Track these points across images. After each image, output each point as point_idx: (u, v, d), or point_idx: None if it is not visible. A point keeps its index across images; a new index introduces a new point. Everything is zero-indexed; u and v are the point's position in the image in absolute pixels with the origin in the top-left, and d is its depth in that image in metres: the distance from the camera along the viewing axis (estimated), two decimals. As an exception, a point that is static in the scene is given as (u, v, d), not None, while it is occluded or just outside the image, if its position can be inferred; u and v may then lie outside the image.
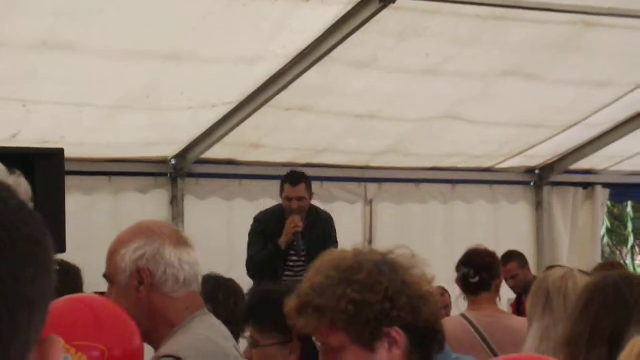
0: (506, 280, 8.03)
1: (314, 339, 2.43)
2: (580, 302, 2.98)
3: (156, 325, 2.76)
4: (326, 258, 2.44)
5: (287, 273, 7.52)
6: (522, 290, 8.22)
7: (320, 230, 7.65)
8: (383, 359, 2.37)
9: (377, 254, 2.46)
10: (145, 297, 2.76)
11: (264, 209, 7.85)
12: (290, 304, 2.42)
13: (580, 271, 3.80)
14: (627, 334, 2.80)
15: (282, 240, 7.46)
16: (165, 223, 3.11)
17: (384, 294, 2.34)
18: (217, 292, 4.27)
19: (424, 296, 2.39)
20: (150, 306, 2.76)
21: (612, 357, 2.77)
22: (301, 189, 7.48)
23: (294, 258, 7.55)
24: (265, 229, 7.59)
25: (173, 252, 2.78)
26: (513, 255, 8.50)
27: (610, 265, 6.75)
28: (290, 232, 7.43)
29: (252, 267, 7.50)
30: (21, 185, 3.04)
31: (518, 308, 8.01)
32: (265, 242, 7.55)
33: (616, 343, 2.79)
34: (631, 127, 9.06)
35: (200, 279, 2.86)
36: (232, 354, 2.79)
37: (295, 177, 7.54)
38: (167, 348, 2.69)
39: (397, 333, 2.37)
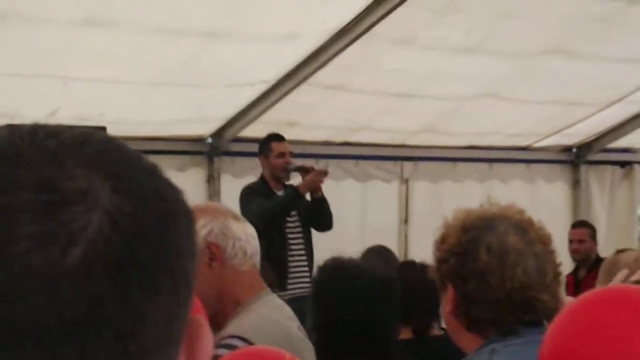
0: (571, 243, 7.92)
1: None
2: None
3: (223, 304, 2.73)
4: None
5: (287, 232, 7.21)
6: (581, 261, 8.04)
7: None
8: None
9: None
10: (218, 273, 2.73)
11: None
12: None
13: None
14: None
15: (304, 186, 7.14)
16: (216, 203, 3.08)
17: None
18: None
19: None
20: (221, 282, 2.73)
21: None
22: (287, 144, 7.37)
23: (293, 217, 7.24)
24: (257, 196, 7.19)
25: (237, 225, 2.75)
26: (586, 223, 8.41)
27: None
28: (314, 185, 7.13)
29: (266, 213, 6.88)
30: None
31: (575, 283, 7.78)
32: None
33: None
34: (671, 105, 8.95)
35: (259, 253, 2.83)
36: (297, 335, 2.75)
37: (279, 135, 7.42)
38: (232, 329, 2.65)
39: None
